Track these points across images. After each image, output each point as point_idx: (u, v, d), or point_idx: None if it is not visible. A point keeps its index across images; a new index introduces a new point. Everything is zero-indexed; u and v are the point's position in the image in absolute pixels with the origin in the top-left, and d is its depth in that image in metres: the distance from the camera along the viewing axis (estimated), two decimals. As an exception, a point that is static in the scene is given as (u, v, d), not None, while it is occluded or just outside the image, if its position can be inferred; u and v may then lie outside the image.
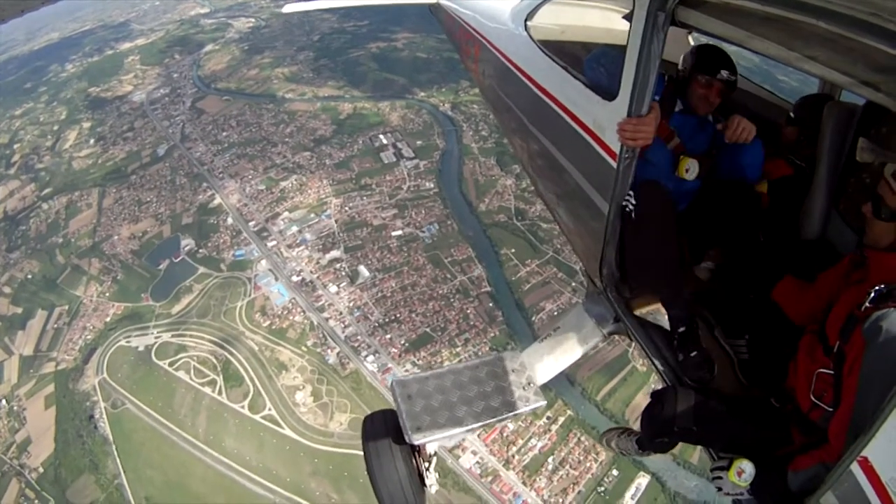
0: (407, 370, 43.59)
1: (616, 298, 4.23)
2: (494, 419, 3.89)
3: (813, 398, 2.84)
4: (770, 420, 3.14)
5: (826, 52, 2.35)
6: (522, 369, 4.13)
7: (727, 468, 2.93)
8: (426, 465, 3.98)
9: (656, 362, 3.93)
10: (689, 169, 4.04)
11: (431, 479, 3.98)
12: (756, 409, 3.25)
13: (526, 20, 5.59)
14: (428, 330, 46.56)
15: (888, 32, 1.91)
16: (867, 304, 2.55)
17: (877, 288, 2.56)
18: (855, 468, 2.20)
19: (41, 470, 41.65)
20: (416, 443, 3.70)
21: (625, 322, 4.21)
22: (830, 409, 2.69)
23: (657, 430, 3.41)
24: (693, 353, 3.77)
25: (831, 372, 2.70)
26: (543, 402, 4.01)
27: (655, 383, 39.41)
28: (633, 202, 3.76)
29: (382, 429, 3.90)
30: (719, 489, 3.01)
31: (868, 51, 2.07)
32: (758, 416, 3.20)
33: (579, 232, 5.10)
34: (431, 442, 3.82)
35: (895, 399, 2.03)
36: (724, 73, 3.94)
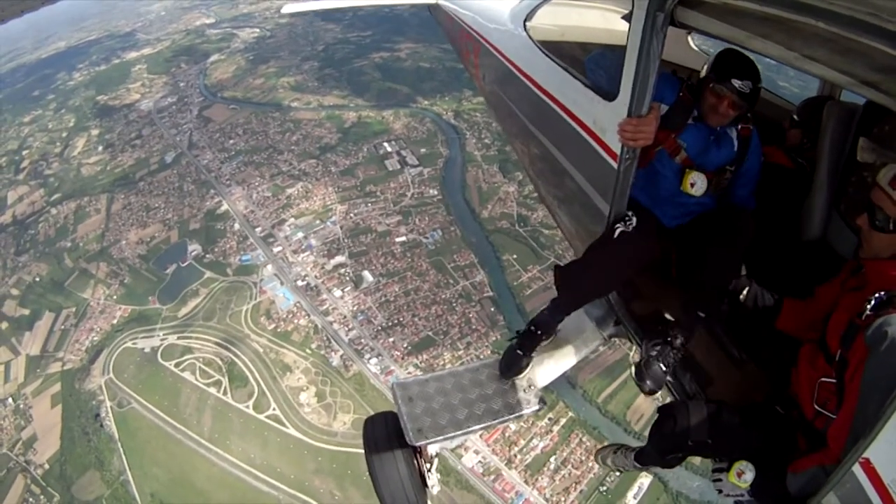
0: (409, 372, 43.96)
1: (616, 301, 4.21)
2: (495, 421, 3.91)
3: (817, 407, 2.83)
4: (777, 427, 3.10)
5: (826, 52, 2.32)
6: (523, 371, 4.11)
7: (727, 469, 2.96)
8: (428, 465, 3.98)
9: None
10: (695, 183, 3.80)
11: (433, 479, 3.99)
12: (765, 417, 3.17)
13: (525, 21, 5.60)
14: (430, 333, 47.10)
15: (887, 32, 1.91)
16: (868, 312, 2.55)
17: (876, 295, 2.57)
18: (857, 469, 2.22)
19: (47, 466, 42.02)
20: (417, 444, 3.71)
21: (625, 325, 4.22)
22: (834, 417, 2.67)
23: (671, 446, 3.32)
24: None
25: (834, 380, 2.70)
26: (544, 405, 4.02)
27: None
28: (631, 224, 3.73)
29: (383, 431, 3.93)
30: (720, 491, 3.02)
31: (868, 50, 2.06)
32: (767, 424, 3.14)
33: (579, 234, 5.08)
34: (432, 444, 3.82)
35: None
36: (737, 83, 3.49)
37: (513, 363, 4.02)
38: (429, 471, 3.96)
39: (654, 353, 3.64)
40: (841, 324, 2.75)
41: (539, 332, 3.93)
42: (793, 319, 3.46)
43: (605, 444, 5.24)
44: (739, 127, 3.85)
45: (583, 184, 4.34)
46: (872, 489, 2.15)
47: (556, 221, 6.06)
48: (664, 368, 3.59)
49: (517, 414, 3.93)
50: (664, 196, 3.95)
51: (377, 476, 3.73)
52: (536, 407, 3.99)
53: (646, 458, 4.39)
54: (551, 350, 4.25)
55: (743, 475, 2.90)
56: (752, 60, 3.53)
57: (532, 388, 4.10)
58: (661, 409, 3.37)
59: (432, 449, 4.00)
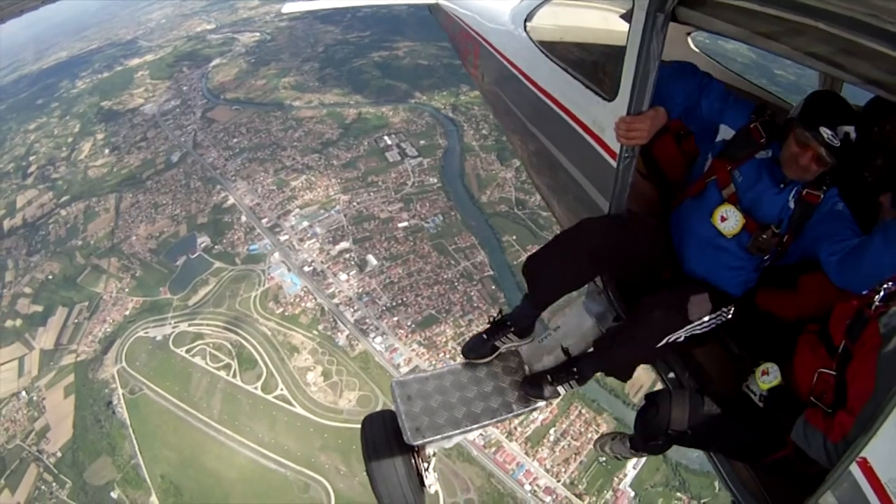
0: (413, 350, 45.17)
1: (616, 298, 4.11)
2: (493, 420, 3.85)
3: (812, 398, 2.78)
4: (765, 423, 3.07)
5: (830, 50, 2.28)
6: (522, 369, 4.07)
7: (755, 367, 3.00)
8: (425, 465, 3.96)
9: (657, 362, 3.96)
10: (727, 218, 3.36)
11: (431, 479, 3.97)
12: (751, 412, 3.13)
13: (525, 21, 5.55)
14: (433, 312, 48.02)
15: (887, 33, 1.91)
16: (877, 303, 2.51)
17: (885, 286, 2.52)
18: (854, 469, 2.22)
19: (59, 454, 42.97)
20: (414, 444, 3.67)
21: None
22: (830, 411, 2.62)
23: (651, 433, 3.37)
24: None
25: (833, 372, 2.65)
26: (542, 403, 3.90)
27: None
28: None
29: (381, 430, 3.90)
30: (748, 386, 3.10)
31: (870, 50, 2.04)
32: (753, 419, 3.10)
33: None
34: (430, 443, 3.80)
35: (895, 399, 2.05)
36: (826, 133, 2.92)
37: (475, 346, 4.00)
38: (426, 470, 3.96)
39: (549, 379, 3.80)
40: (848, 314, 2.70)
41: (509, 324, 3.87)
42: (774, 300, 3.54)
43: (603, 432, 5.09)
44: (805, 192, 3.23)
45: (583, 183, 4.33)
46: (870, 488, 2.18)
47: (556, 219, 6.03)
48: (550, 381, 3.78)
49: (515, 413, 3.90)
50: (691, 229, 3.57)
51: (374, 475, 3.74)
52: (535, 405, 3.93)
53: (636, 443, 4.57)
54: (550, 347, 4.21)
55: (766, 375, 2.99)
56: (849, 106, 3.07)
57: None
58: (647, 397, 3.44)
59: (430, 448, 4.00)
